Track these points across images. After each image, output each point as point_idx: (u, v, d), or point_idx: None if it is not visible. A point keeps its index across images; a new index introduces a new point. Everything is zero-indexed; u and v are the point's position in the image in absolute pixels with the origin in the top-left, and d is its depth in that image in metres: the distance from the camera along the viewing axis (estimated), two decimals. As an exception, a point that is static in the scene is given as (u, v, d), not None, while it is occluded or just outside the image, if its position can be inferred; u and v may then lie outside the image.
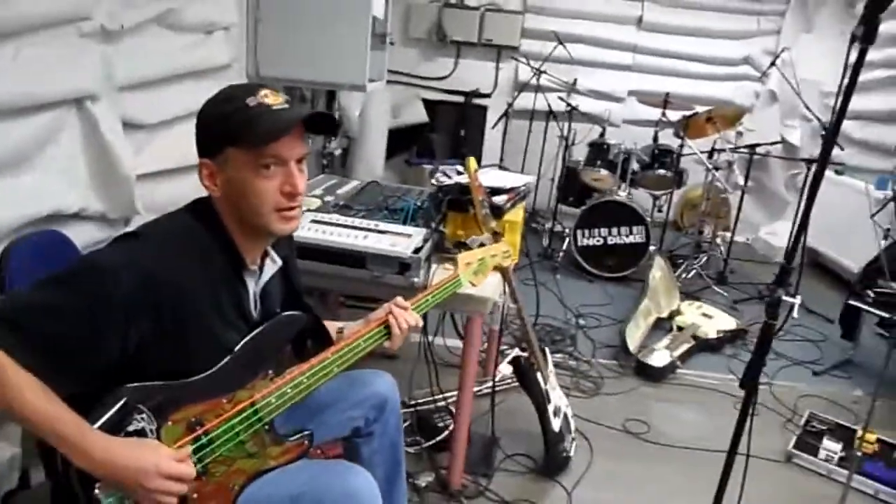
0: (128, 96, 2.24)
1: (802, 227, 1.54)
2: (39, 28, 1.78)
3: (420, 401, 2.66)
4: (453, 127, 5.76)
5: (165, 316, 1.14)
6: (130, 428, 1.13)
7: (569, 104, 4.88)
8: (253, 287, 1.33)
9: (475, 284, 1.80)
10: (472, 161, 2.15)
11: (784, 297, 1.45)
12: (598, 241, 4.54)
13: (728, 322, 3.79)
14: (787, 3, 5.79)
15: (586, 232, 4.54)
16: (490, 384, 2.70)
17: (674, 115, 4.71)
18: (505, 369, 2.96)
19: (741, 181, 4.72)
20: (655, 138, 4.87)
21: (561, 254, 4.75)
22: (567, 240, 4.72)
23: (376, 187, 2.55)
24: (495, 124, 5.29)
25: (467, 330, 2.11)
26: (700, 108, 4.66)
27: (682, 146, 4.59)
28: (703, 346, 3.59)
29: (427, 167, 5.02)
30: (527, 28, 5.71)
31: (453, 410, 2.58)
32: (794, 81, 4.69)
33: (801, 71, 5.48)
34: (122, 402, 1.11)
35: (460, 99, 5.83)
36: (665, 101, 4.65)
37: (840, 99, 1.40)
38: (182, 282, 1.17)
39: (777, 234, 5.76)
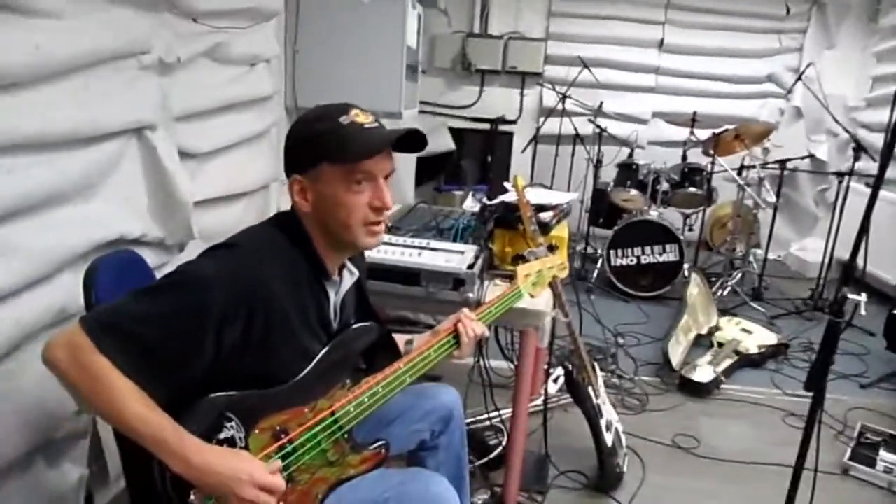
0: (181, 126, 2.31)
1: (863, 229, 1.55)
2: (106, 61, 1.85)
3: (469, 420, 2.66)
4: (480, 154, 5.83)
5: (257, 322, 1.18)
6: (221, 436, 1.16)
7: (598, 126, 4.93)
8: (334, 297, 1.37)
9: (534, 296, 1.82)
10: (519, 179, 2.19)
11: (850, 295, 1.45)
12: (631, 260, 4.54)
13: (768, 337, 3.76)
14: (807, 20, 5.83)
15: (619, 252, 4.55)
16: (538, 402, 2.70)
17: (702, 134, 4.73)
18: (551, 387, 2.97)
19: (771, 197, 4.72)
20: (684, 157, 4.90)
21: (595, 274, 4.76)
22: (600, 260, 4.73)
23: (423, 208, 2.59)
24: (524, 149, 5.35)
25: (522, 345, 2.11)
26: (728, 126, 4.67)
27: (712, 163, 4.60)
28: (746, 361, 3.57)
29: (457, 193, 5.07)
30: (550, 55, 5.79)
31: (503, 428, 2.59)
32: (821, 96, 4.71)
33: (825, 86, 5.52)
34: (219, 413, 1.14)
35: (486, 126, 5.91)
36: (692, 120, 4.68)
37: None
38: (273, 290, 1.20)
39: (808, 250, 5.72)
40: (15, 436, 1.60)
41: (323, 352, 1.31)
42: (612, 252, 4.56)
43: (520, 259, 1.89)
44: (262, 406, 1.21)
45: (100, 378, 1.06)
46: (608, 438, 2.39)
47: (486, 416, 2.58)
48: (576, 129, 5.09)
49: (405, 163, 4.89)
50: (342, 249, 1.34)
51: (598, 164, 5.01)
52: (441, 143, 5.63)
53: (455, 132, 5.75)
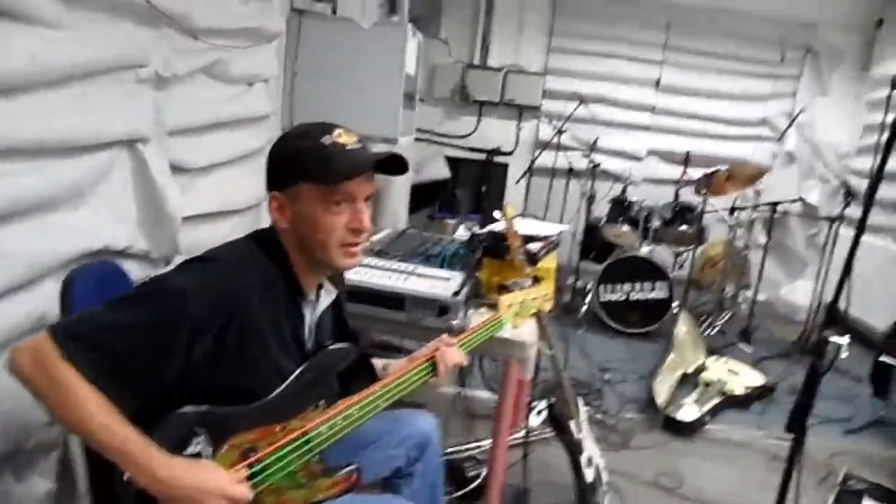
0: (174, 141, 2.31)
1: (846, 272, 1.56)
2: (103, 72, 1.86)
3: (449, 450, 2.63)
4: (475, 183, 5.86)
5: (229, 336, 1.17)
6: (188, 451, 1.14)
7: (592, 161, 4.97)
8: (309, 316, 1.36)
9: (515, 326, 1.81)
10: (509, 208, 2.19)
11: (832, 338, 1.45)
12: (620, 296, 4.54)
13: (755, 378, 3.75)
14: (801, 67, 5.91)
15: (609, 287, 4.56)
16: (519, 435, 2.67)
17: (695, 173, 4.77)
18: (533, 421, 2.94)
19: (762, 239, 4.74)
20: (677, 195, 4.93)
21: (583, 309, 4.75)
22: (589, 295, 4.73)
23: (412, 234, 2.59)
24: (519, 180, 5.38)
25: (504, 376, 2.10)
26: (721, 167, 4.71)
27: (704, 203, 4.63)
28: (731, 402, 3.55)
29: (450, 221, 5.07)
30: (548, 89, 5.86)
31: (483, 460, 2.55)
32: (812, 143, 4.77)
33: (818, 133, 5.58)
34: (188, 427, 1.12)
35: (482, 156, 5.95)
36: (686, 160, 4.73)
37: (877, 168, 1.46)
38: (247, 305, 1.19)
39: (797, 292, 5.73)
40: (-16, 444, 1.57)
41: (297, 371, 1.29)
42: (601, 287, 4.56)
43: (503, 289, 1.88)
44: (232, 423, 1.19)
45: (64, 386, 1.04)
46: (589, 474, 2.36)
47: (466, 446, 2.55)
48: (570, 163, 5.12)
49: (399, 189, 4.92)
50: (319, 268, 1.34)
51: (591, 199, 5.04)
52: (437, 171, 5.67)
53: (451, 161, 5.79)
